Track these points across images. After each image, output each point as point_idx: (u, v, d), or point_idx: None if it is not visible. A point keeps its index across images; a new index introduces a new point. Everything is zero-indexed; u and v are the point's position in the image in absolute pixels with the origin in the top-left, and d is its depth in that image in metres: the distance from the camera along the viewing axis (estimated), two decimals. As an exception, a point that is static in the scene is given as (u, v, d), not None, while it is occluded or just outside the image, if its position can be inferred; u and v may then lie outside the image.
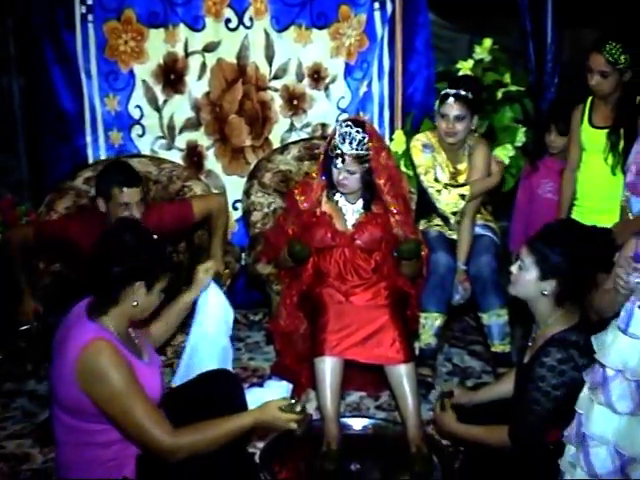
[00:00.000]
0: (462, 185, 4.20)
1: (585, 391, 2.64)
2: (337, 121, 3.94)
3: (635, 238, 2.83)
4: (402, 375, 3.62)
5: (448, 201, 4.16)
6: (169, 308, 3.28)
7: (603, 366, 2.54)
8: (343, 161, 3.75)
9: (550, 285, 2.85)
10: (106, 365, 2.56)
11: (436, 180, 4.21)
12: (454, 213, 4.18)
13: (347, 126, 3.76)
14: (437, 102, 4.24)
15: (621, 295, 2.67)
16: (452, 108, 4.10)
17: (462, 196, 4.14)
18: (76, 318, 2.71)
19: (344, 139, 3.73)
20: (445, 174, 4.26)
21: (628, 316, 2.50)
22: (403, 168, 4.58)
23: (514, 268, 2.95)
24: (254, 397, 3.77)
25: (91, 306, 2.72)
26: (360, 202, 3.92)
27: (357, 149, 3.73)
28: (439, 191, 4.17)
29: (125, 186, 3.73)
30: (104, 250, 2.73)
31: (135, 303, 2.71)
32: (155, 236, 2.80)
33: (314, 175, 4.01)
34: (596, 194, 4.10)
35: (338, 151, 3.75)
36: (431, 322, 4.11)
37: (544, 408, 2.81)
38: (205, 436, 2.67)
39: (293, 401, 2.86)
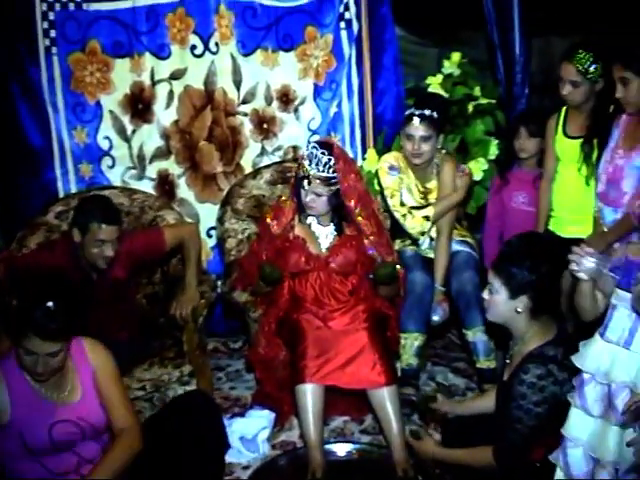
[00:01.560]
0: (426, 206, 4.19)
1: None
2: (309, 142, 3.93)
3: (622, 245, 2.82)
4: (385, 398, 3.58)
5: (413, 224, 4.15)
6: None
7: (580, 370, 2.59)
8: (309, 182, 3.73)
9: (522, 302, 2.85)
10: None
11: (402, 204, 4.20)
12: (422, 233, 4.18)
13: (313, 147, 3.75)
14: (403, 121, 4.20)
15: (585, 283, 2.65)
16: (417, 129, 4.06)
17: (427, 217, 4.13)
18: None
19: (310, 161, 3.72)
20: (414, 194, 4.25)
21: (607, 320, 2.56)
22: (377, 187, 4.53)
23: (485, 294, 2.95)
24: (237, 427, 3.78)
25: None
26: (332, 225, 3.89)
27: (323, 171, 3.71)
28: (404, 216, 4.16)
29: (104, 223, 3.69)
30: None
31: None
32: (55, 301, 2.68)
33: (284, 198, 3.97)
34: (571, 205, 4.08)
35: (305, 172, 3.73)
36: (411, 342, 4.07)
37: (526, 426, 2.80)
38: None
39: None
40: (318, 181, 3.72)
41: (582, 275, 2.59)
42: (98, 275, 3.82)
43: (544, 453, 2.79)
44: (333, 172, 3.73)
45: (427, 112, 4.04)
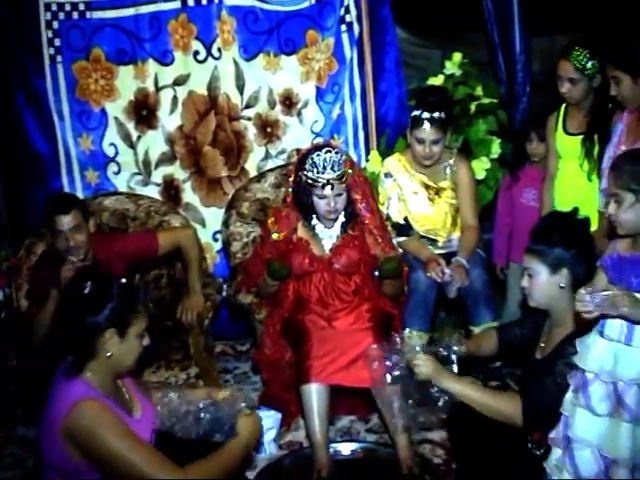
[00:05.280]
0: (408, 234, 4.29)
1: (569, 394, 2.66)
2: (314, 152, 3.83)
3: (612, 241, 2.81)
4: (389, 396, 3.58)
5: None
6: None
7: (583, 370, 2.58)
8: (332, 187, 3.69)
9: (563, 276, 2.86)
10: (95, 425, 2.46)
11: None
12: None
13: (326, 152, 3.68)
14: (410, 123, 4.17)
15: None
16: (429, 134, 4.06)
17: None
18: (59, 378, 2.60)
19: (325, 167, 3.65)
20: (423, 193, 4.28)
21: (603, 318, 2.53)
22: (380, 189, 4.54)
23: (525, 281, 2.96)
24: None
25: (70, 364, 2.59)
26: (337, 226, 3.88)
27: (339, 170, 3.68)
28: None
29: (56, 214, 3.73)
30: (66, 305, 2.66)
31: (109, 354, 2.57)
32: (123, 280, 2.68)
33: (287, 210, 3.95)
34: (573, 201, 4.01)
35: (322, 181, 3.67)
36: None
37: (556, 402, 2.73)
38: (212, 465, 2.60)
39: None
40: (338, 182, 3.70)
41: (594, 315, 2.56)
42: None
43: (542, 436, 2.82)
44: (344, 166, 3.72)
45: (436, 115, 4.03)
